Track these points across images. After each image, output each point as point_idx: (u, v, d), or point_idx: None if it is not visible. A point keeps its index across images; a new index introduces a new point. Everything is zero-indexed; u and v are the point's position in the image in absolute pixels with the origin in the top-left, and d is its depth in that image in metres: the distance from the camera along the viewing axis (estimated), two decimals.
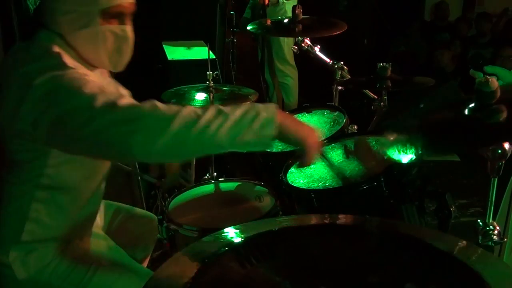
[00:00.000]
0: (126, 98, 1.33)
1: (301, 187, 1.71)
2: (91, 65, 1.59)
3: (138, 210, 2.07)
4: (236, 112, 1.28)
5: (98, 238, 1.81)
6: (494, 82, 1.28)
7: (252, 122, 1.28)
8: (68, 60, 1.46)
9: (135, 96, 1.53)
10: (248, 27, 2.62)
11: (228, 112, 1.28)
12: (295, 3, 4.08)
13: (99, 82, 1.42)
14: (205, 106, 2.33)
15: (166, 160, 1.28)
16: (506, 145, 1.31)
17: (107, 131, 1.27)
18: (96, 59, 1.56)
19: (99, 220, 1.91)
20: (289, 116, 1.38)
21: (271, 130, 1.29)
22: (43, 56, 1.45)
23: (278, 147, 2.14)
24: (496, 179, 1.38)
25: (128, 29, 1.57)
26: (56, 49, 1.48)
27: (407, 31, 6.04)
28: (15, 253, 1.56)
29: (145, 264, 2.00)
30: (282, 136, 1.33)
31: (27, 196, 1.55)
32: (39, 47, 1.49)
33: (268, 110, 1.30)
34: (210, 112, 1.28)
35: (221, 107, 1.30)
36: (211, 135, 1.25)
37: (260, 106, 1.31)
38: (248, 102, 2.39)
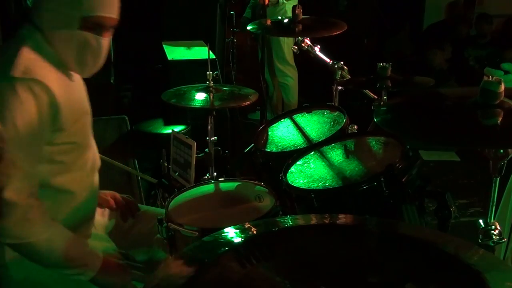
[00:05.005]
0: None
1: (301, 187, 1.71)
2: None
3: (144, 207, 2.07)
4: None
5: (98, 240, 1.81)
6: (502, 84, 1.28)
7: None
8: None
9: (136, 95, 1.52)
10: (248, 27, 2.62)
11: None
12: (295, 3, 4.08)
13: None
14: (204, 106, 2.33)
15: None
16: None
17: None
18: (67, 61, 1.59)
19: (102, 220, 1.90)
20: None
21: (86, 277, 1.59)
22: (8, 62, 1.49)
23: (278, 147, 2.14)
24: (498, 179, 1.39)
25: (104, 41, 1.59)
26: (26, 52, 1.51)
27: (400, 33, 6.05)
28: (12, 253, 1.56)
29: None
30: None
31: None
32: (12, 49, 1.52)
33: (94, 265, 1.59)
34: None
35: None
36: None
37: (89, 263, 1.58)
38: (249, 101, 2.39)
